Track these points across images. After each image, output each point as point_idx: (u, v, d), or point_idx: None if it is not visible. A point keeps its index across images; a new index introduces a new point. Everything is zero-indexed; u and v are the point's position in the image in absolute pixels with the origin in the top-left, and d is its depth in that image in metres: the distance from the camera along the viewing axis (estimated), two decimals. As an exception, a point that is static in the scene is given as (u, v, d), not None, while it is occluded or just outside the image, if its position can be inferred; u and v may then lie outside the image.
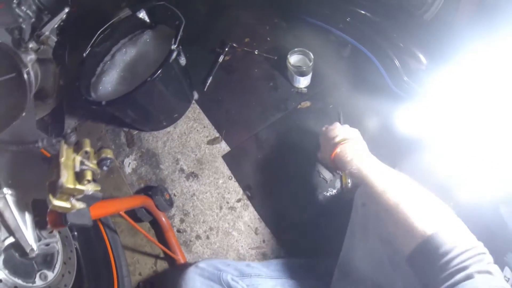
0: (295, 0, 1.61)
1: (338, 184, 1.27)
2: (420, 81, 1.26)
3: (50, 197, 0.69)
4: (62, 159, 0.68)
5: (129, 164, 1.52)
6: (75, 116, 1.68)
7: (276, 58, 1.55)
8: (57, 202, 0.69)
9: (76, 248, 1.05)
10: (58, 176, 0.67)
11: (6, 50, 0.74)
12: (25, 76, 0.72)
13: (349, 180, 1.26)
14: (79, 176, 0.70)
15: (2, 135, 0.73)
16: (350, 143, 0.91)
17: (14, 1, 1.11)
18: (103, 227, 1.20)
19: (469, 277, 0.55)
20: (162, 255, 1.33)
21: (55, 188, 0.68)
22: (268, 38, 1.63)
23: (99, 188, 0.73)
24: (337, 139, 0.93)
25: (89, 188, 0.70)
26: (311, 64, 1.36)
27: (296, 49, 1.39)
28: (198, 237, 1.32)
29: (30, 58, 0.83)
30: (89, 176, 0.69)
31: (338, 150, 0.90)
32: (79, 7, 1.43)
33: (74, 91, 1.29)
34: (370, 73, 1.37)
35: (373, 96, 1.35)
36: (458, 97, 1.13)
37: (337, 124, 1.00)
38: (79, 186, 0.68)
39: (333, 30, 1.46)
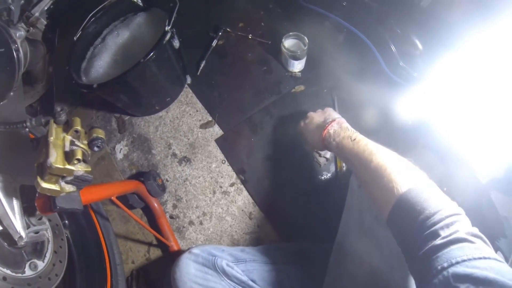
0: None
1: (332, 168, 1.25)
2: (416, 67, 1.25)
3: (38, 179, 0.66)
4: (51, 138, 0.65)
5: (121, 150, 1.47)
6: (65, 102, 1.62)
7: (270, 42, 1.51)
8: (45, 185, 0.66)
9: (67, 237, 1.01)
10: (47, 156, 0.63)
11: (-6, 25, 0.69)
12: (14, 52, 0.68)
13: (343, 164, 1.24)
14: (68, 156, 0.66)
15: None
16: (339, 121, 0.96)
17: None
18: (95, 215, 1.16)
19: (438, 249, 0.52)
20: (155, 242, 1.30)
21: (44, 169, 0.64)
22: (263, 23, 1.58)
23: (89, 169, 0.70)
24: (327, 120, 0.98)
25: (79, 168, 0.67)
26: (305, 48, 1.33)
27: (291, 33, 1.35)
28: (191, 223, 1.29)
29: (19, 34, 0.79)
30: (79, 155, 0.65)
31: (329, 128, 0.94)
32: None
33: (64, 76, 1.24)
34: (366, 58, 1.34)
35: (368, 81, 1.33)
36: (453, 82, 1.13)
37: (326, 109, 1.07)
38: (68, 166, 0.65)
39: (328, 15, 1.43)
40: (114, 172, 1.43)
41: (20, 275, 0.76)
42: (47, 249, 0.86)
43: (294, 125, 1.31)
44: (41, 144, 0.68)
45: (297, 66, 1.41)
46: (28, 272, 0.78)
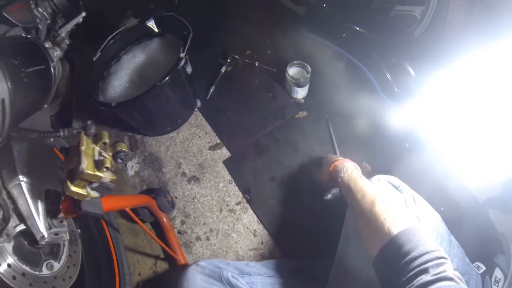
0: (295, 16, 1.72)
1: (336, 189, 1.32)
2: (409, 91, 1.35)
3: (68, 183, 0.74)
4: (83, 148, 0.73)
5: (132, 167, 1.56)
6: (81, 118, 1.71)
7: (275, 70, 1.62)
8: (74, 188, 0.74)
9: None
10: (78, 163, 0.71)
11: (37, 43, 0.80)
12: (52, 70, 0.78)
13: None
14: (97, 164, 0.75)
15: (23, 123, 0.77)
16: (345, 161, 1.09)
17: (32, 1, 1.17)
18: (107, 226, 1.23)
19: (428, 283, 0.57)
20: (162, 255, 1.36)
21: (74, 175, 0.73)
22: (268, 51, 1.71)
23: (114, 178, 0.78)
24: (338, 158, 1.14)
25: (107, 175, 0.75)
26: (308, 76, 1.44)
27: (295, 62, 1.47)
28: (198, 238, 1.36)
29: (56, 53, 0.89)
30: (107, 163, 0.74)
31: (336, 163, 1.09)
32: (87, 14, 1.50)
33: (81, 93, 1.34)
34: (364, 84, 1.44)
35: (366, 106, 1.42)
36: (445, 104, 1.21)
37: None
38: (98, 173, 0.73)
39: (329, 45, 1.55)
40: (125, 187, 1.51)
41: (37, 273, 0.81)
42: (63, 252, 0.92)
43: (296, 148, 1.42)
44: (72, 153, 0.77)
45: (300, 93, 1.52)
46: (44, 271, 0.83)
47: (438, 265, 0.60)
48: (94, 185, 0.77)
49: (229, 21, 1.85)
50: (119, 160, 0.81)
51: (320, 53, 1.59)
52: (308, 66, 1.45)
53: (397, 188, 0.91)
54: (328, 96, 1.52)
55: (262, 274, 1.07)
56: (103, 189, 0.80)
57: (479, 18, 1.25)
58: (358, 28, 1.46)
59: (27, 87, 0.67)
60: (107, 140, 0.78)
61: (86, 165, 0.71)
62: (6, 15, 0.96)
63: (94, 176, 0.72)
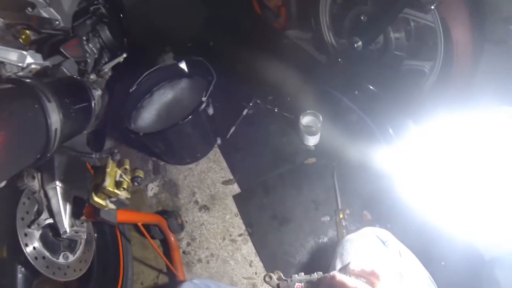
0: (316, 68, 1.95)
1: (333, 233, 1.48)
2: (409, 143, 1.49)
3: (93, 194, 0.97)
4: (108, 170, 0.97)
5: (152, 189, 1.80)
6: (113, 138, 2.02)
7: (293, 117, 1.83)
8: (97, 199, 0.97)
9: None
10: (103, 180, 0.95)
11: (83, 84, 1.07)
12: (93, 106, 1.04)
13: (344, 231, 1.46)
14: (117, 184, 0.98)
15: (67, 143, 1.03)
16: None
17: (84, 38, 1.47)
18: (120, 235, 1.45)
19: None
20: (165, 270, 1.56)
21: (99, 189, 0.96)
22: (289, 98, 1.93)
23: (129, 197, 1.01)
24: None
25: (123, 194, 0.98)
26: (319, 125, 1.62)
27: (308, 111, 1.66)
28: (199, 260, 1.54)
29: (97, 93, 1.15)
30: (125, 185, 0.97)
31: None
32: (131, 47, 1.79)
33: (115, 118, 1.60)
34: (371, 137, 1.63)
35: (371, 157, 1.57)
36: (445, 158, 1.31)
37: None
38: (116, 191, 0.96)
39: (343, 99, 1.75)
40: (143, 205, 1.75)
41: (55, 259, 1.03)
42: (79, 248, 1.14)
43: (302, 192, 1.59)
44: (99, 171, 1.00)
45: (311, 141, 1.71)
46: (61, 260, 1.06)
47: None
48: (113, 199, 1.00)
49: (257, 67, 2.08)
50: (135, 183, 1.05)
51: (333, 104, 1.78)
52: (320, 116, 1.63)
53: (384, 243, 0.94)
54: (337, 145, 1.68)
55: (248, 300, 1.22)
56: (119, 203, 1.03)
57: (485, 73, 1.33)
58: (369, 86, 1.66)
59: (74, 119, 0.92)
60: (127, 167, 1.01)
61: (108, 183, 0.94)
62: (63, 51, 1.26)
63: (113, 192, 0.95)
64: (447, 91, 1.46)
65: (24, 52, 1.01)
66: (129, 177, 1.04)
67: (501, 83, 1.26)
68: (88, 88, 1.11)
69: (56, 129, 0.80)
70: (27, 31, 1.26)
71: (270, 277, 0.72)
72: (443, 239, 1.27)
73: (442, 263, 1.27)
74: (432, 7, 1.22)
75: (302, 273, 0.69)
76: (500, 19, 1.17)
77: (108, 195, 0.98)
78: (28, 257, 0.94)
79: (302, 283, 0.68)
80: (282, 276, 0.71)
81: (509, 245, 1.14)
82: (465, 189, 1.23)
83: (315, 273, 0.68)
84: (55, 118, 0.80)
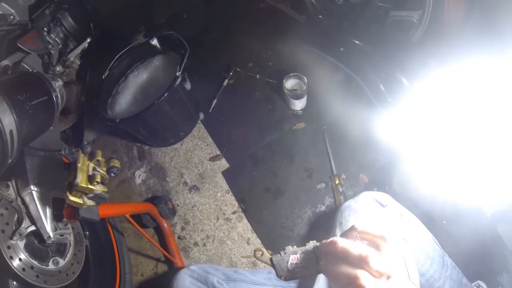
0: (297, 25, 1.88)
1: (330, 200, 1.47)
2: (402, 100, 1.46)
3: (67, 193, 0.94)
4: (79, 165, 0.94)
5: (139, 175, 1.78)
6: (93, 130, 1.97)
7: (275, 82, 1.79)
8: (72, 198, 0.94)
9: (86, 245, 1.29)
10: (75, 177, 0.92)
11: (40, 77, 1.01)
12: (54, 99, 0.99)
13: (341, 197, 1.44)
14: (91, 179, 0.95)
15: (33, 143, 0.99)
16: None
17: (45, 29, 1.40)
18: (112, 229, 1.44)
19: None
20: (163, 258, 1.56)
21: (72, 187, 0.93)
22: (270, 63, 1.88)
23: (106, 190, 0.98)
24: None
25: (98, 188, 0.95)
26: (305, 87, 1.58)
27: (291, 74, 1.61)
28: (196, 244, 1.55)
29: (58, 84, 1.09)
30: (98, 178, 0.94)
31: None
32: (102, 30, 1.73)
33: (93, 108, 1.58)
34: (360, 95, 1.59)
35: (362, 117, 1.55)
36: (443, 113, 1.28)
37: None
38: (90, 186, 0.93)
39: (328, 57, 1.69)
40: (132, 194, 1.74)
41: (44, 267, 1.02)
42: (68, 251, 1.13)
43: (293, 160, 1.56)
44: (71, 168, 0.97)
45: (298, 105, 1.67)
46: (51, 266, 1.05)
47: None
48: (90, 195, 0.97)
49: (234, 34, 2.05)
50: (112, 174, 1.01)
51: (318, 65, 1.74)
52: (305, 77, 1.58)
53: (383, 206, 0.93)
54: (326, 107, 1.66)
55: (247, 281, 1.20)
56: (98, 198, 1.00)
57: (477, 19, 1.30)
58: (356, 41, 1.60)
59: (32, 116, 0.88)
60: (100, 158, 0.98)
61: (80, 179, 0.91)
62: (20, 46, 1.20)
63: (86, 188, 0.92)
64: (437, 42, 1.42)
65: (-22, 54, 0.96)
66: (104, 169, 1.00)
67: (492, 31, 1.23)
68: (47, 80, 1.05)
69: (11, 131, 0.76)
70: (-20, 30, 1.20)
71: (262, 252, 0.67)
72: (444, 198, 1.26)
73: (444, 222, 1.27)
74: None
75: (295, 246, 0.65)
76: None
77: (83, 192, 0.95)
78: (15, 270, 0.93)
79: (298, 254, 0.64)
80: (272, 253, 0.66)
81: (510, 200, 1.15)
82: (463, 146, 1.22)
83: (310, 241, 0.63)
84: (8, 120, 0.77)
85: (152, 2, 2.22)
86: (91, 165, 0.97)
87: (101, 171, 0.98)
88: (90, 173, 0.96)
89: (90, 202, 0.99)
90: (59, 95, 1.06)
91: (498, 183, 1.14)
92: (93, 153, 1.00)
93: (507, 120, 1.11)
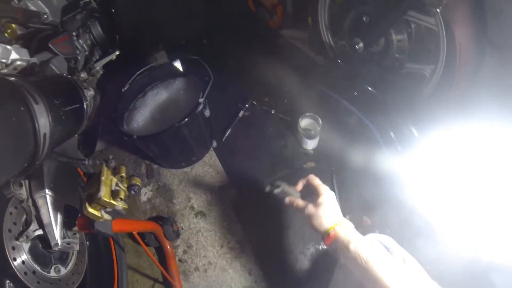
0: (313, 70, 1.93)
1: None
2: (411, 149, 1.48)
3: (87, 204, 0.93)
4: (103, 178, 0.93)
5: (145, 193, 1.77)
6: (103, 140, 1.97)
7: (290, 119, 1.81)
8: (91, 210, 0.93)
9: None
10: (98, 190, 0.91)
11: (74, 84, 1.02)
12: (85, 107, 1.00)
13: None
14: (114, 194, 0.94)
15: (56, 148, 0.99)
16: (342, 226, 0.93)
17: (74, 33, 1.42)
18: (114, 243, 1.41)
19: None
20: (161, 279, 1.52)
21: (93, 199, 0.92)
22: (285, 100, 1.91)
23: (126, 207, 0.97)
24: (328, 224, 0.95)
25: (120, 204, 0.94)
26: (319, 128, 1.61)
27: (307, 114, 1.65)
28: (196, 269, 1.51)
29: (90, 93, 1.11)
30: (122, 195, 0.93)
31: (333, 235, 0.92)
32: (121, 47, 1.74)
33: (107, 118, 1.56)
34: (371, 141, 1.60)
35: (371, 162, 1.56)
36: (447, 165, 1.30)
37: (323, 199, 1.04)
38: (112, 201, 0.92)
39: (342, 101, 1.73)
40: (136, 211, 1.71)
41: (46, 273, 0.99)
42: (71, 260, 1.10)
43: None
44: (94, 180, 0.97)
45: (310, 144, 1.69)
46: (52, 274, 1.01)
47: None
48: (108, 209, 0.96)
49: (251, 66, 2.08)
50: (132, 192, 1.01)
51: (333, 107, 1.77)
52: (319, 119, 1.62)
53: (388, 250, 0.95)
54: (336, 149, 1.67)
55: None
56: (115, 214, 0.99)
57: (486, 78, 1.32)
58: (369, 88, 1.64)
59: (64, 122, 0.88)
60: (124, 174, 0.97)
61: (104, 193, 0.91)
62: (51, 46, 1.22)
63: (109, 203, 0.91)
64: (448, 96, 1.45)
65: (9, 47, 0.96)
66: (125, 185, 1.00)
67: (503, 88, 1.26)
68: (80, 87, 1.07)
69: (45, 134, 0.76)
70: (13, 25, 1.21)
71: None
72: (442, 244, 1.28)
73: (441, 267, 1.27)
74: (438, 10, 1.21)
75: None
76: (503, 23, 1.17)
77: (103, 206, 0.94)
78: (17, 273, 0.90)
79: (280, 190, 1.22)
80: None
81: (506, 250, 1.15)
82: (465, 194, 1.24)
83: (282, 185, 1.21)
84: (43, 122, 0.76)
85: (173, 22, 2.27)
86: (114, 180, 0.97)
87: (123, 187, 0.98)
88: (113, 188, 0.95)
89: (107, 216, 0.98)
90: (89, 105, 1.08)
91: (495, 233, 1.16)
92: (117, 168, 1.00)
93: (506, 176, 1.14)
